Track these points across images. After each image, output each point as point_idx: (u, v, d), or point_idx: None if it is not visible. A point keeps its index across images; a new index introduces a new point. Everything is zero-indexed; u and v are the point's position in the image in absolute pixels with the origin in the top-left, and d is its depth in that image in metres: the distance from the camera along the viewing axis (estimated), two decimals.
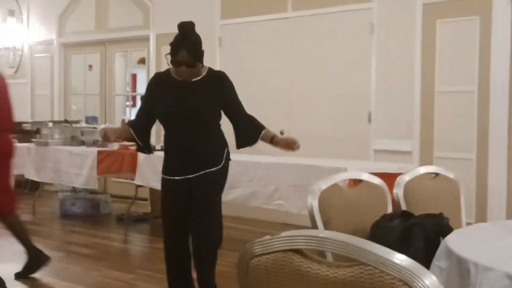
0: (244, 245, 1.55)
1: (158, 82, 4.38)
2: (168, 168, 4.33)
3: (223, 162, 4.36)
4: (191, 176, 4.23)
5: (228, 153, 4.42)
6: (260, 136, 4.38)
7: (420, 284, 1.27)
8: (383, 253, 1.34)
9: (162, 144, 4.57)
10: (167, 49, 4.34)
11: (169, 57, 4.19)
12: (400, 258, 1.33)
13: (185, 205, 4.26)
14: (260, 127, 4.40)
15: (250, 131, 4.38)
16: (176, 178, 4.25)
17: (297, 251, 1.45)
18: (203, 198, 4.29)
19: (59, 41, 10.59)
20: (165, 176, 4.33)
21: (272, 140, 4.39)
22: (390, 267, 1.31)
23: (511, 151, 6.07)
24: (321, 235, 1.47)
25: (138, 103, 10.12)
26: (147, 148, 4.48)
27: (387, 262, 1.32)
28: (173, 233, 4.33)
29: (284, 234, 1.49)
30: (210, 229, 4.32)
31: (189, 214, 4.28)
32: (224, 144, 4.41)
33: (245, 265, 1.53)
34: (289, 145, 4.37)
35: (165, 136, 4.37)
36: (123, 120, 4.30)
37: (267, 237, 1.51)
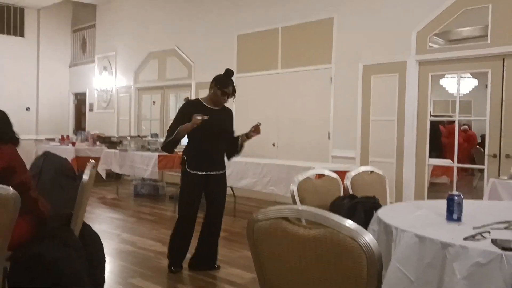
0: (251, 215, 1.55)
1: (191, 106, 4.03)
2: (193, 165, 3.92)
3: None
4: (211, 173, 3.95)
5: None
6: (240, 144, 4.01)
7: (362, 240, 1.26)
8: (339, 219, 1.33)
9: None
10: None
11: (214, 88, 3.90)
12: (349, 223, 1.31)
13: (201, 192, 4.00)
14: (238, 140, 4.01)
15: (237, 146, 4.05)
16: (200, 173, 3.92)
17: (285, 218, 1.43)
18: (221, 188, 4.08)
19: (135, 86, 10.58)
20: (190, 171, 3.92)
21: (246, 136, 3.95)
22: (343, 228, 1.29)
23: (417, 158, 6.03)
24: (300, 208, 1.46)
25: None
26: (172, 146, 4.01)
27: (341, 225, 1.30)
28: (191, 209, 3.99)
29: (276, 207, 1.48)
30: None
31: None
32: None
33: (252, 227, 1.51)
34: (256, 129, 3.92)
35: (192, 143, 3.97)
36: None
37: (266, 209, 1.49)
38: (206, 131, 3.82)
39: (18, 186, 2.12)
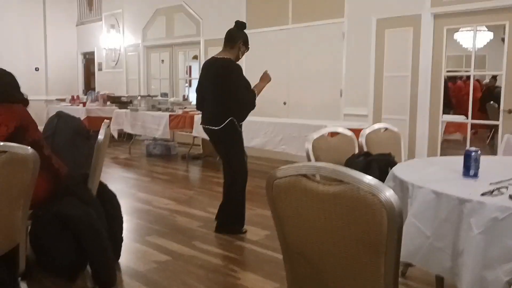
0: (269, 172, 1.55)
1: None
2: (239, 120, 3.86)
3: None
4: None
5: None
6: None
7: (383, 195, 1.27)
8: (359, 175, 1.33)
9: None
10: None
11: (243, 47, 3.94)
12: (369, 179, 1.32)
13: None
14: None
15: None
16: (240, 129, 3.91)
17: (304, 175, 1.44)
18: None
19: (143, 44, 10.48)
20: (238, 127, 3.86)
21: (258, 86, 3.96)
22: (363, 184, 1.29)
23: (431, 116, 5.99)
24: (318, 165, 1.46)
25: (193, 83, 10.12)
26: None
27: (362, 181, 1.30)
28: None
29: (295, 165, 1.47)
30: None
31: None
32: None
33: (271, 184, 1.52)
34: (266, 77, 3.99)
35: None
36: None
37: (285, 166, 1.49)
38: (249, 87, 3.88)
39: (31, 145, 2.15)
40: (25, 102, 2.66)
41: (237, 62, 3.91)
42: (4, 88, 2.55)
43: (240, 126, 3.90)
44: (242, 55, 3.93)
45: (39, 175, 2.16)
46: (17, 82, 2.70)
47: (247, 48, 3.92)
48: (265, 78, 4.00)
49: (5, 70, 2.70)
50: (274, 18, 7.66)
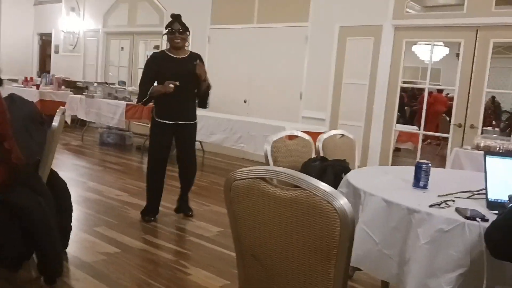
0: (229, 173, 1.55)
1: (156, 58, 4.05)
2: (161, 114, 3.96)
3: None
4: (180, 122, 3.98)
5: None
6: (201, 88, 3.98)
7: (337, 203, 1.30)
8: (316, 182, 1.35)
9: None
10: (163, 36, 4.17)
11: (165, 36, 4.02)
12: (325, 185, 1.35)
13: (170, 141, 4.06)
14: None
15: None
16: (168, 122, 3.95)
17: (263, 179, 1.45)
18: (190, 139, 4.11)
19: (103, 30, 10.23)
20: (157, 120, 3.97)
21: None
22: (319, 191, 1.32)
23: (385, 124, 6.15)
24: (277, 169, 1.47)
25: None
26: (147, 102, 4.04)
27: (318, 188, 1.33)
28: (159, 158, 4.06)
29: (254, 167, 1.48)
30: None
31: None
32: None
33: (229, 185, 1.52)
34: (198, 68, 3.88)
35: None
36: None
37: (244, 168, 1.50)
38: (167, 80, 3.83)
39: None
40: None
41: (161, 50, 4.15)
42: None
43: (166, 117, 3.93)
44: (171, 40, 3.96)
45: None
46: None
47: (167, 29, 3.96)
48: (198, 70, 3.88)
49: None
50: (239, 16, 7.65)
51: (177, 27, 3.91)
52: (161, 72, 3.91)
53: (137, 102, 4.16)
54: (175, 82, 3.79)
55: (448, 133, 5.72)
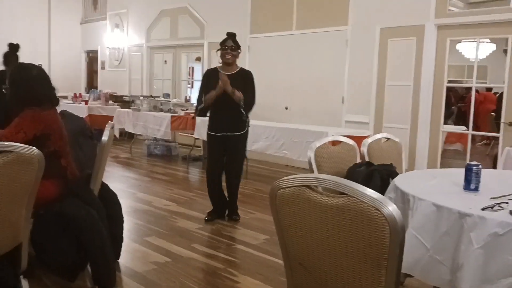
0: (273, 181, 1.56)
1: (208, 74, 4.39)
2: (212, 127, 4.33)
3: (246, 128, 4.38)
4: (227, 134, 4.27)
5: (248, 122, 4.37)
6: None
7: (386, 210, 1.28)
8: (362, 189, 1.34)
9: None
10: (216, 52, 4.39)
11: (219, 52, 4.30)
12: (372, 192, 1.33)
13: (222, 151, 4.32)
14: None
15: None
16: (217, 134, 4.29)
17: (308, 186, 1.45)
18: (236, 149, 4.36)
19: (146, 45, 10.50)
20: (209, 132, 4.36)
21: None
22: (366, 197, 1.31)
23: (432, 125, 6.01)
24: (322, 177, 1.47)
25: (195, 85, 10.14)
26: (205, 112, 4.37)
27: (365, 194, 1.32)
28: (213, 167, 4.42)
29: (299, 175, 1.49)
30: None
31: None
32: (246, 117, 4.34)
33: (274, 194, 1.53)
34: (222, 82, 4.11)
35: (212, 107, 4.27)
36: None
37: (289, 177, 1.50)
38: (218, 95, 4.15)
39: (51, 153, 2.16)
40: (54, 101, 2.65)
41: (214, 67, 4.44)
42: (31, 89, 2.53)
43: (215, 130, 4.32)
44: (222, 57, 4.27)
45: (50, 180, 2.16)
46: (46, 78, 2.67)
47: (220, 46, 4.26)
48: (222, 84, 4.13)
49: (33, 66, 2.66)
50: (278, 24, 7.68)
51: (229, 44, 4.21)
52: (212, 87, 4.18)
53: (195, 115, 4.62)
54: (225, 81, 4.07)
55: (497, 132, 5.51)
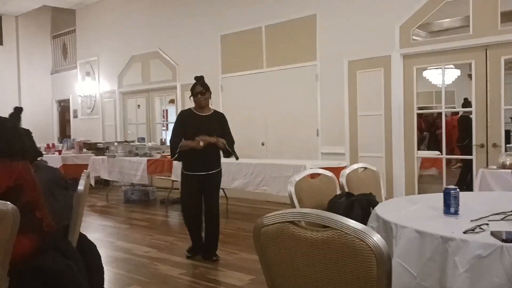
0: (254, 218, 1.55)
1: (184, 115, 4.47)
2: (188, 167, 4.35)
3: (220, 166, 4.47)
4: (204, 173, 4.30)
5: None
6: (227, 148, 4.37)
7: (371, 240, 1.28)
8: (344, 220, 1.34)
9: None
10: (189, 93, 4.53)
11: (191, 98, 4.42)
12: (355, 223, 1.33)
13: (199, 190, 4.34)
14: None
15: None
16: (195, 173, 4.31)
17: (291, 222, 1.44)
18: (213, 186, 4.39)
19: (119, 91, 10.51)
20: (185, 172, 4.37)
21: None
22: (350, 229, 1.31)
23: (406, 151, 6.11)
24: (304, 211, 1.48)
25: (170, 127, 10.13)
26: (180, 157, 4.36)
27: (348, 226, 1.32)
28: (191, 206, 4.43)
29: (281, 211, 1.48)
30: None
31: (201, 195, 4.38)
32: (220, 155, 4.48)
33: (258, 232, 1.51)
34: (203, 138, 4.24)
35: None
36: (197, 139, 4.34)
37: (271, 213, 1.49)
38: (193, 135, 4.26)
39: (25, 205, 2.10)
40: (27, 156, 2.59)
41: (189, 108, 4.54)
42: (4, 142, 2.48)
43: (192, 169, 4.34)
44: (195, 101, 4.38)
45: (27, 235, 2.10)
46: (19, 132, 2.64)
47: (191, 92, 4.39)
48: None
49: (6, 119, 2.62)
50: (249, 62, 7.82)
51: (199, 89, 4.32)
52: (187, 128, 4.31)
53: (171, 158, 4.58)
54: (205, 139, 4.19)
55: (471, 154, 5.63)
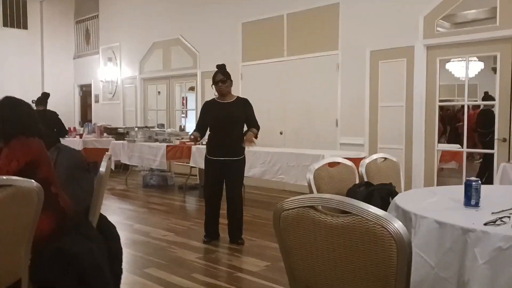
0: (271, 206, 1.56)
1: (207, 104, 4.59)
2: (211, 151, 4.46)
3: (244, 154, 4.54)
4: (226, 159, 4.38)
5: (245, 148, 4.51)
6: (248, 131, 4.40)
7: (392, 227, 1.27)
8: (366, 207, 1.34)
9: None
10: (209, 81, 4.58)
11: (213, 86, 4.49)
12: (376, 209, 1.33)
13: (220, 175, 4.44)
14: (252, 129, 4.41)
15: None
16: (216, 158, 4.41)
17: (312, 207, 1.45)
18: (236, 173, 4.47)
19: (140, 77, 10.59)
20: (208, 157, 4.48)
21: (245, 133, 4.41)
22: (372, 215, 1.31)
23: (426, 144, 6.05)
24: (326, 196, 1.46)
25: (189, 115, 10.20)
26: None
27: (370, 212, 1.32)
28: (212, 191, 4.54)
29: (302, 196, 1.49)
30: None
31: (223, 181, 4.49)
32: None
33: (278, 216, 1.52)
34: (247, 141, 4.34)
35: (210, 133, 4.52)
36: (194, 135, 4.51)
37: (292, 198, 1.50)
38: (215, 122, 4.42)
39: (40, 181, 2.14)
40: (42, 135, 2.64)
41: (212, 98, 4.60)
42: (20, 119, 2.54)
43: (214, 154, 4.46)
44: (216, 89, 4.47)
45: (44, 212, 2.14)
46: (34, 113, 2.69)
47: (212, 81, 4.48)
48: (247, 141, 4.35)
49: (22, 101, 2.68)
50: (270, 51, 7.78)
51: (220, 78, 4.41)
52: (210, 117, 4.46)
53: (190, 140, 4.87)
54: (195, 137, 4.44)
55: (492, 148, 5.54)
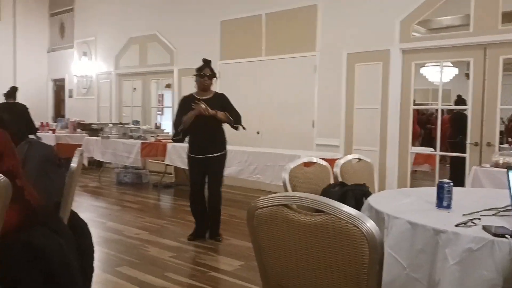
0: (246, 205, 1.55)
1: (185, 99, 4.61)
2: (192, 150, 4.50)
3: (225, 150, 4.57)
4: (208, 156, 4.43)
5: (226, 144, 4.61)
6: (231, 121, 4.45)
7: (364, 226, 1.28)
8: (339, 206, 1.35)
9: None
10: (186, 78, 4.55)
11: (194, 78, 4.53)
12: (349, 209, 1.34)
13: (202, 172, 4.48)
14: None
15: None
16: (197, 156, 4.45)
17: (286, 205, 1.45)
18: (216, 169, 4.52)
19: (115, 72, 10.44)
20: (190, 155, 4.52)
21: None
22: (344, 214, 1.32)
23: (400, 146, 6.12)
24: (299, 195, 1.46)
25: (165, 112, 10.11)
26: (182, 140, 4.64)
27: (342, 211, 1.32)
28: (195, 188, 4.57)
29: (276, 195, 1.49)
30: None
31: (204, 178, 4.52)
32: (224, 138, 4.59)
33: (252, 214, 1.52)
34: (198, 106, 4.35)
35: (190, 131, 4.47)
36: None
37: (266, 196, 1.50)
38: (195, 119, 4.38)
39: (4, 173, 2.07)
40: (7, 125, 2.57)
41: (189, 94, 4.64)
42: None
43: (195, 152, 4.50)
44: (198, 82, 4.51)
45: (10, 206, 2.08)
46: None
47: (197, 73, 4.50)
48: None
49: None
50: (247, 50, 7.77)
51: (207, 72, 4.48)
52: (188, 112, 4.42)
53: (172, 138, 4.88)
54: (200, 104, 4.31)
55: (464, 152, 5.65)
